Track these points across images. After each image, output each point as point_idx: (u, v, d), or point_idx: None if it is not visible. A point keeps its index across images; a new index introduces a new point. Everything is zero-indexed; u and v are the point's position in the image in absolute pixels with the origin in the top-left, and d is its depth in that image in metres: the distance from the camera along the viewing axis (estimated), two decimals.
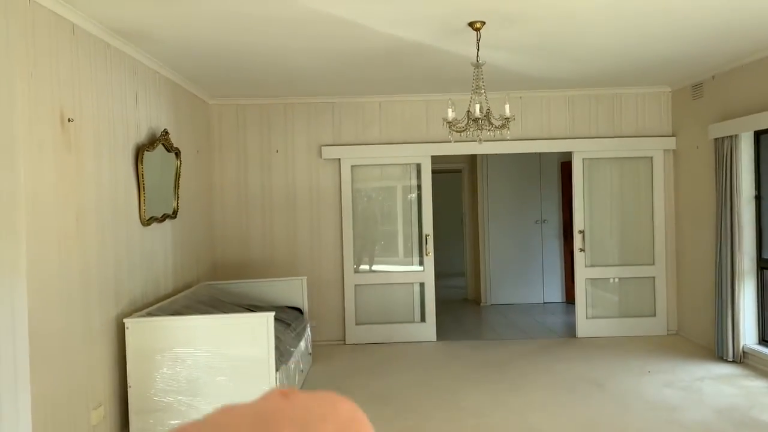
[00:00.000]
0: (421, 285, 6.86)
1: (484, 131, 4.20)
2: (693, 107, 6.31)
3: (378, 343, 6.65)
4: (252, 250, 6.68)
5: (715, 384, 5.03)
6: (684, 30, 4.47)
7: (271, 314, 4.14)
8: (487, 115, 4.09)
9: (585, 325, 6.81)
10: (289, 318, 5.32)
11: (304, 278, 6.07)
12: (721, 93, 5.83)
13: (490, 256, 8.97)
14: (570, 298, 7.81)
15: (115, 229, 4.16)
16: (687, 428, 4.12)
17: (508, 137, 4.38)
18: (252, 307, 5.42)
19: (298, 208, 6.74)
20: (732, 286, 5.55)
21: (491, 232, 8.96)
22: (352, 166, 6.73)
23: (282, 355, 4.44)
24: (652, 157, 6.77)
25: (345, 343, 6.71)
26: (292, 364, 4.72)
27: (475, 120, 4.04)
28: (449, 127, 4.21)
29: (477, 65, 4.14)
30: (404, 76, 5.77)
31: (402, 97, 6.67)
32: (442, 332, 6.91)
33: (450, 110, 4.18)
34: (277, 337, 4.35)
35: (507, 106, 4.17)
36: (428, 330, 6.79)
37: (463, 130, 4.21)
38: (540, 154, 8.45)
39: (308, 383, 5.29)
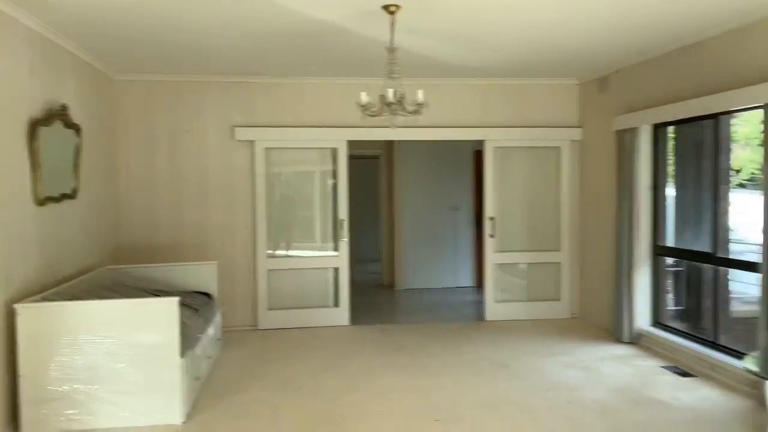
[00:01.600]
0: (336, 270, 6.84)
1: (397, 116, 4.20)
2: (599, 100, 6.58)
3: (291, 328, 6.60)
4: (160, 233, 6.43)
5: (613, 364, 5.31)
6: (591, 25, 4.64)
7: (175, 299, 4.00)
8: (401, 101, 4.10)
9: (493, 309, 7.03)
10: (197, 303, 5.17)
11: (215, 263, 5.91)
12: (625, 87, 6.11)
13: (405, 242, 9.07)
14: (481, 282, 8.02)
15: (3, 209, 3.88)
16: (585, 406, 4.32)
17: (421, 123, 4.42)
18: (158, 292, 5.22)
19: (210, 191, 6.54)
20: (629, 272, 5.86)
21: (407, 218, 9.07)
22: (266, 149, 6.59)
23: (188, 341, 4.30)
24: (559, 147, 7.03)
25: (257, 329, 6.60)
26: (199, 350, 4.59)
27: (388, 105, 4.03)
28: (363, 111, 4.19)
29: (391, 49, 4.13)
30: (321, 59, 5.69)
31: (319, 79, 6.58)
32: (356, 317, 6.94)
33: (363, 94, 4.16)
34: (183, 323, 4.22)
35: (420, 92, 4.19)
36: (342, 314, 6.80)
37: (377, 115, 4.20)
38: (455, 141, 8.59)
39: (217, 369, 5.16)
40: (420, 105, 4.18)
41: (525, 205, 7.17)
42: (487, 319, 6.99)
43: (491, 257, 7.03)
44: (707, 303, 5.47)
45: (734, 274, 5.18)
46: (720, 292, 5.24)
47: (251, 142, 6.54)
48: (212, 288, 5.80)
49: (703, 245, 5.26)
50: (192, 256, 6.35)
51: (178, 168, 6.47)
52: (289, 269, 6.78)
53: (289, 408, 4.33)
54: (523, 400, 4.45)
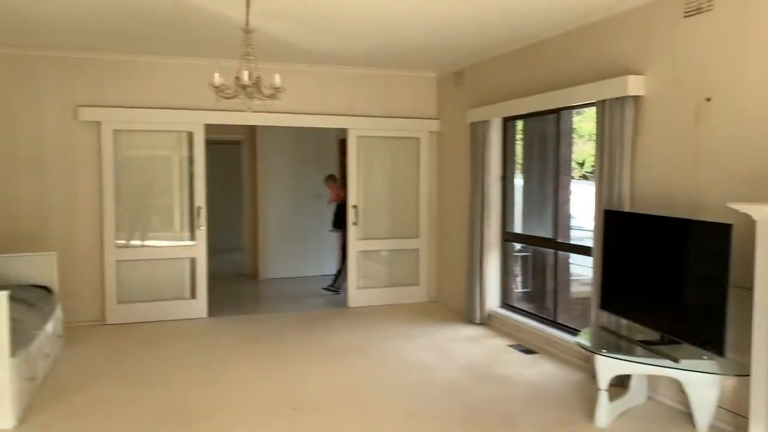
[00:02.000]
0: (192, 260, 6.56)
1: (254, 100, 4.10)
2: (455, 93, 6.84)
3: (144, 322, 6.26)
4: None
5: (465, 344, 5.58)
6: (443, 20, 4.78)
7: (4, 293, 3.63)
8: (257, 84, 4.00)
9: (356, 296, 7.11)
10: (33, 298, 4.73)
11: (55, 253, 5.44)
12: (478, 81, 6.39)
13: (268, 230, 8.92)
14: None
15: None
16: (439, 385, 4.49)
17: (282, 109, 4.34)
18: None
19: (50, 176, 6.01)
20: (481, 257, 6.17)
21: (270, 205, 8.92)
22: (115, 131, 6.17)
23: (21, 339, 3.93)
24: (419, 138, 7.24)
25: (105, 324, 6.19)
26: (34, 348, 4.21)
27: (243, 87, 3.92)
28: (216, 93, 4.04)
29: (246, 30, 4.01)
30: (176, 37, 5.40)
31: (174, 59, 6.25)
32: (215, 308, 6.72)
33: (217, 75, 4.01)
34: (14, 319, 3.84)
35: (277, 76, 4.12)
36: (199, 306, 6.55)
37: (232, 98, 4.07)
38: (319, 129, 8.56)
39: (58, 368, 4.77)
40: (277, 89, 4.10)
41: (387, 194, 7.31)
42: (350, 306, 7.06)
43: (354, 244, 7.10)
44: (550, 285, 5.90)
45: (575, 258, 5.63)
46: (560, 274, 5.67)
47: (97, 124, 6.09)
48: (52, 281, 5.35)
49: (546, 231, 5.65)
50: (29, 247, 5.80)
51: (11, 150, 5.87)
52: (141, 260, 6.40)
53: (137, 405, 4.10)
54: (381, 383, 4.54)
